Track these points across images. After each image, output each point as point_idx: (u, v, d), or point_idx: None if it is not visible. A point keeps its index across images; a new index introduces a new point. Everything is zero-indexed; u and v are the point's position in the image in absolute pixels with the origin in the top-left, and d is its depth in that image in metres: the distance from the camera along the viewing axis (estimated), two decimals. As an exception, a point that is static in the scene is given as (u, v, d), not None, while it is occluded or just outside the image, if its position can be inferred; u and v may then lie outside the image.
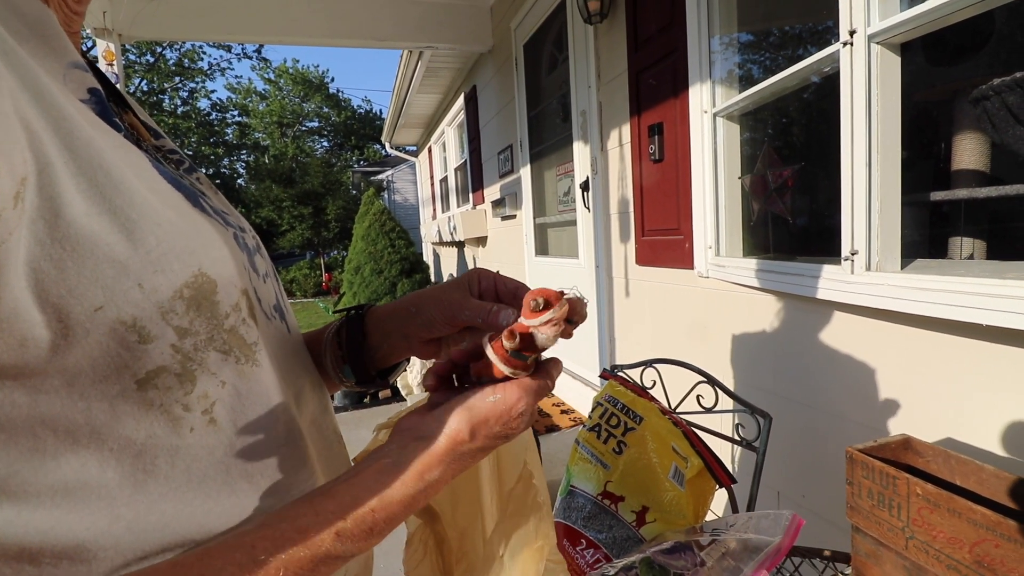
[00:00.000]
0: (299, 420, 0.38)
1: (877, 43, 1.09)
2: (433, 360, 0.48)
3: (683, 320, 1.90)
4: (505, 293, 0.44)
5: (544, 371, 0.38)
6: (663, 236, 1.95)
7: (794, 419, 1.40)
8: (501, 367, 0.37)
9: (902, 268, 1.13)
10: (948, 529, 0.60)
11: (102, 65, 3.00)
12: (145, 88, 17.51)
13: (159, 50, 17.21)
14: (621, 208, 2.27)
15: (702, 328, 1.79)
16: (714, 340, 1.73)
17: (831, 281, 1.22)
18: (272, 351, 0.37)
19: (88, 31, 3.03)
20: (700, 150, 1.70)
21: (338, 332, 0.50)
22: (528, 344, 0.36)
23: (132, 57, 16.59)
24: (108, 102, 0.34)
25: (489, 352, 0.37)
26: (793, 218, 1.60)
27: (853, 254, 1.16)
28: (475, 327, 0.44)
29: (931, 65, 1.50)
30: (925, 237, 1.42)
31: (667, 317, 2.01)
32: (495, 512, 0.51)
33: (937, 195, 1.34)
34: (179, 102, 18.94)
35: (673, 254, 1.89)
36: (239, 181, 20.75)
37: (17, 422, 0.24)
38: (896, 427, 1.13)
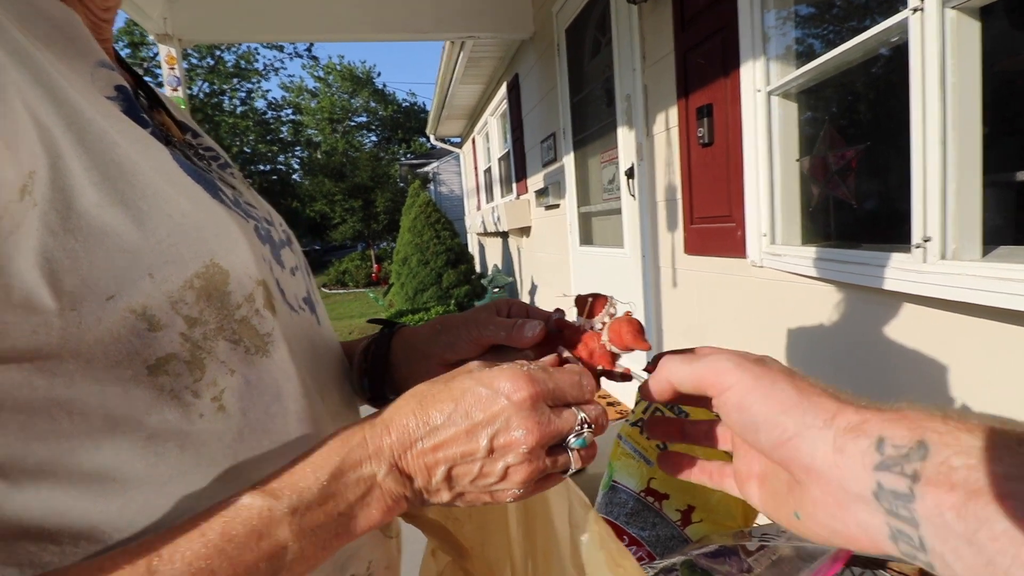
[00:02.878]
0: (320, 410, 0.38)
1: (952, 7, 0.98)
2: None
3: (734, 311, 1.82)
4: (537, 315, 0.44)
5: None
6: (713, 224, 1.87)
7: (856, 417, 1.31)
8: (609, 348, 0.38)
9: (983, 256, 1.03)
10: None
11: (164, 69, 3.18)
12: (207, 90, 18.48)
13: (218, 53, 18.10)
14: (668, 195, 2.19)
15: (755, 320, 1.71)
16: (767, 333, 1.64)
17: (900, 271, 1.13)
18: (295, 342, 0.37)
19: (151, 37, 3.21)
20: (753, 132, 1.61)
21: (368, 346, 0.51)
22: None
23: (195, 61, 17.54)
24: (137, 100, 0.35)
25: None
26: (857, 202, 1.49)
27: (926, 241, 1.06)
28: (499, 346, 0.44)
29: (1017, 30, 1.34)
30: (1010, 221, 1.28)
31: (717, 308, 1.93)
32: (522, 541, 0.48)
33: (1025, 174, 1.21)
34: (238, 103, 19.88)
35: (724, 242, 1.81)
36: (294, 176, 21.62)
37: (35, 404, 0.26)
38: (973, 429, 1.04)
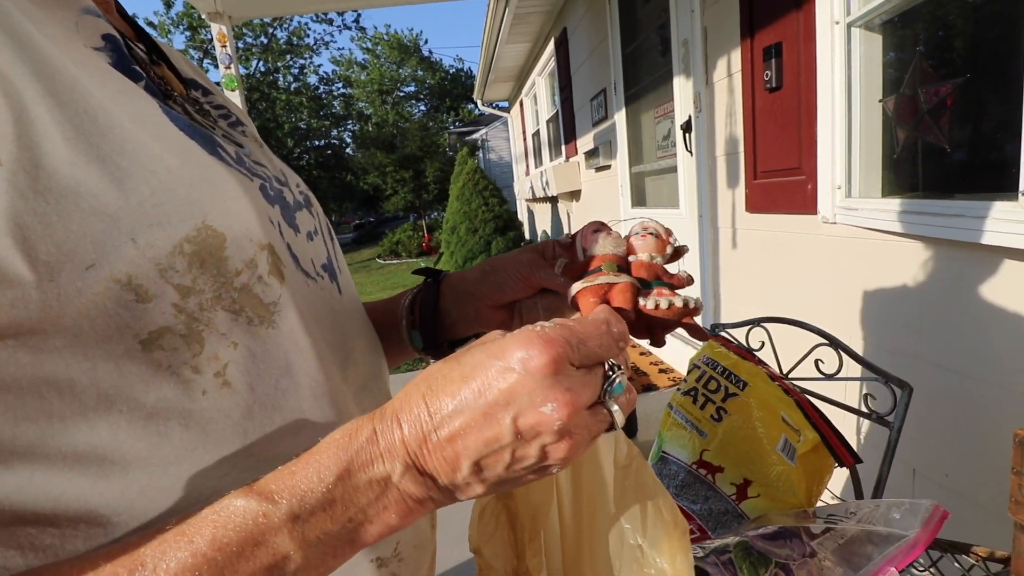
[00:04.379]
0: (339, 383, 0.36)
1: None
2: None
3: (802, 274, 1.68)
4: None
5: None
6: (780, 178, 1.71)
7: (939, 387, 1.18)
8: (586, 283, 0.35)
9: (1114, 201, 0.87)
10: None
11: (217, 47, 3.26)
12: (263, 69, 19.02)
13: (271, 31, 18.50)
14: (729, 149, 2.03)
15: (825, 282, 1.57)
16: (840, 296, 1.50)
17: (1001, 222, 0.98)
18: (310, 311, 0.35)
19: (204, 15, 3.28)
20: (829, 71, 1.43)
21: (413, 300, 0.49)
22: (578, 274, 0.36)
23: (249, 40, 18.03)
24: (131, 51, 0.32)
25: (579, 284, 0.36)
26: (952, 147, 1.30)
27: (1039, 186, 0.91)
28: (552, 289, 0.41)
29: None
30: None
31: (782, 271, 1.79)
32: (568, 485, 0.46)
33: None
34: (291, 79, 20.37)
35: (792, 198, 1.65)
36: (347, 150, 22.11)
37: (23, 382, 0.24)
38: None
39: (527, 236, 6.17)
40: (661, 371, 2.76)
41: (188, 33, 16.57)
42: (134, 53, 0.33)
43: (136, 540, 0.24)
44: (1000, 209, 0.99)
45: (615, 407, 0.28)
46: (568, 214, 5.30)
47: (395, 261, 12.59)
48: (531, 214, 7.88)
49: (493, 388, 0.25)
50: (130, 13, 0.40)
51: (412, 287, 0.51)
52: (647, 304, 0.36)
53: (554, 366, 0.25)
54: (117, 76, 0.29)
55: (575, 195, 4.80)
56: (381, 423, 0.27)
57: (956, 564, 0.75)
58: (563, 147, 4.94)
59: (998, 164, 1.13)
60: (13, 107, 0.22)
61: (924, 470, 1.27)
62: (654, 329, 0.38)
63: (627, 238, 0.39)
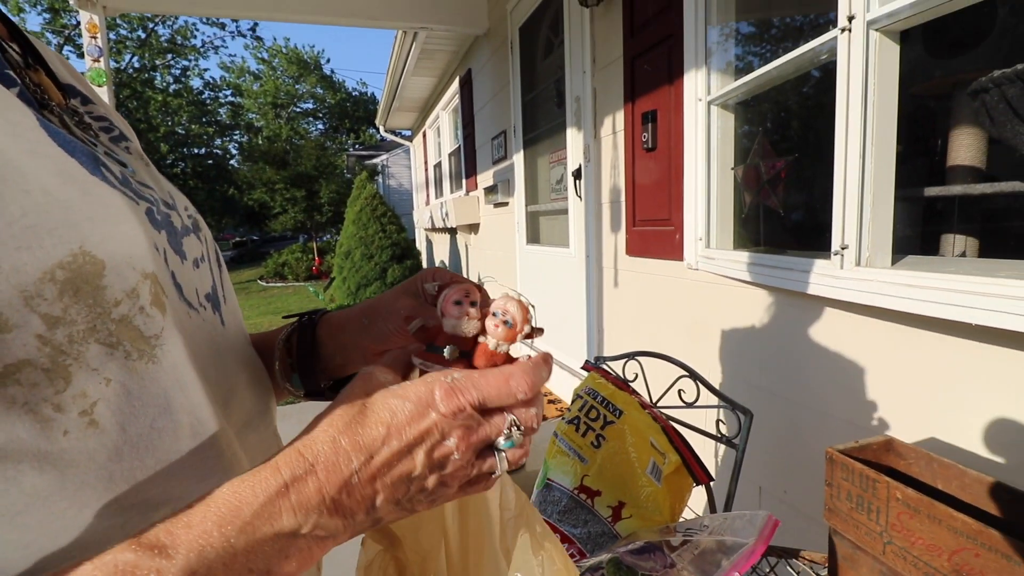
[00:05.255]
0: (221, 422, 0.34)
1: (876, 30, 1.05)
2: None
3: (671, 312, 1.88)
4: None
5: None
6: (654, 227, 1.92)
7: (779, 414, 1.38)
8: (415, 361, 0.35)
9: (892, 264, 1.10)
10: (927, 536, 0.58)
11: (85, 38, 2.91)
12: (136, 65, 17.16)
13: (151, 26, 16.84)
14: (613, 197, 2.23)
15: (690, 321, 1.77)
16: (702, 333, 1.70)
17: (820, 276, 1.19)
18: (192, 345, 0.33)
19: (71, 1, 2.92)
20: (693, 139, 1.66)
21: (288, 339, 0.47)
22: (437, 334, 0.35)
23: (124, 32, 16.23)
24: (3, 52, 0.29)
25: (416, 361, 0.36)
26: (785, 211, 1.57)
27: (843, 248, 1.13)
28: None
29: (930, 56, 1.46)
30: (917, 233, 1.40)
31: (655, 309, 1.99)
32: (456, 528, 0.47)
33: (931, 191, 1.31)
34: (171, 79, 18.59)
35: (663, 245, 1.86)
36: (231, 162, 20.48)
37: None
38: (881, 425, 1.11)
39: (424, 265, 6.13)
40: (550, 401, 2.87)
41: (47, 16, 14.49)
42: (7, 55, 0.30)
43: None
44: (818, 265, 1.21)
45: (501, 456, 0.32)
46: (466, 246, 5.38)
47: (279, 284, 11.74)
48: (429, 243, 7.86)
49: (412, 427, 0.29)
50: None
51: (286, 324, 0.49)
52: None
53: (460, 409, 0.30)
54: None
55: (474, 228, 4.90)
56: (292, 472, 0.26)
57: (789, 568, 0.88)
58: (464, 181, 5.05)
59: (819, 228, 1.38)
60: None
61: (768, 488, 1.46)
62: None
63: (485, 310, 0.37)
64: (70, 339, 0.25)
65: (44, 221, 0.25)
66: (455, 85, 5.06)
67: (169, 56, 18.01)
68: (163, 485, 0.29)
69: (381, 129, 8.16)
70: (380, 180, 14.43)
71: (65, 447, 0.26)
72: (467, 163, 4.86)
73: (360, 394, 0.30)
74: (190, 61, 18.82)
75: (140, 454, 0.28)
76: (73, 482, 0.26)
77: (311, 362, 0.46)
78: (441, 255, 6.94)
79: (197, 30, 18.33)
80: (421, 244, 8.10)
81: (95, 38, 2.95)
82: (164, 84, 18.28)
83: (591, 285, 2.46)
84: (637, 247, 2.04)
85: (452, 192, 5.87)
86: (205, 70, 26.33)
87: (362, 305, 0.46)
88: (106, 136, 0.38)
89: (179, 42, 17.97)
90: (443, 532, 0.47)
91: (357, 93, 23.84)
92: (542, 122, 3.10)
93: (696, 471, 0.90)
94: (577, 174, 2.50)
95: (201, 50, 18.65)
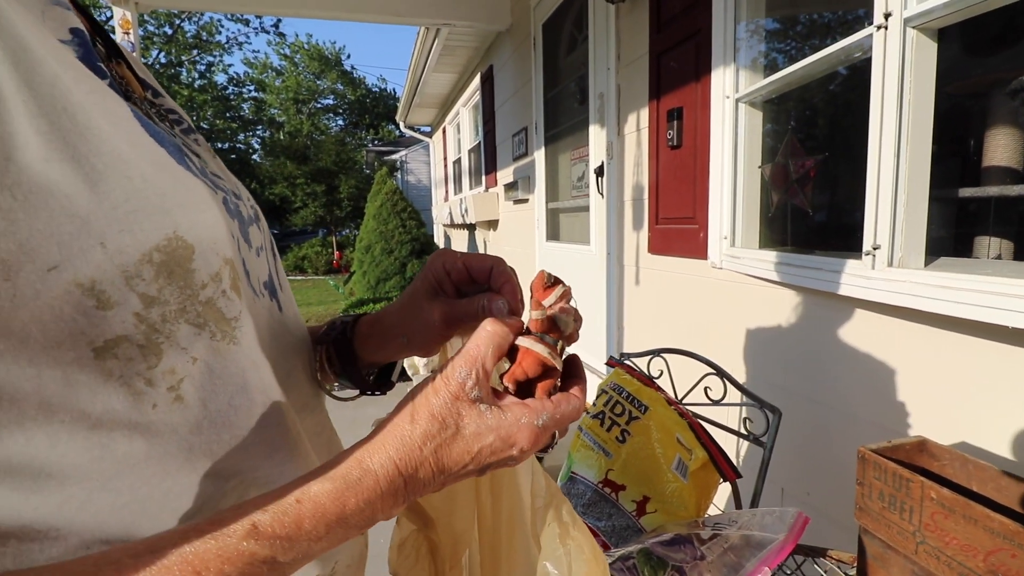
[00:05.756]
0: (285, 403, 0.36)
1: (913, 27, 1.03)
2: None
3: (694, 311, 1.87)
4: (479, 272, 0.42)
5: (564, 393, 0.35)
6: (677, 225, 1.91)
7: (803, 415, 1.37)
8: (538, 349, 0.33)
9: (926, 265, 1.09)
10: (962, 536, 0.58)
11: (118, 34, 2.99)
12: (163, 60, 17.50)
13: (178, 22, 17.16)
14: (635, 195, 2.23)
15: (713, 320, 1.76)
16: (725, 332, 1.70)
17: (850, 276, 1.18)
18: (258, 329, 0.35)
19: (105, -1, 3.00)
20: (720, 137, 1.65)
21: (327, 347, 0.48)
22: (551, 326, 0.34)
23: (151, 29, 16.57)
24: (95, 47, 0.31)
25: (526, 342, 0.34)
26: (813, 210, 1.55)
27: (875, 249, 1.11)
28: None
29: (968, 54, 1.43)
30: (951, 235, 1.37)
31: (678, 307, 1.98)
32: (490, 513, 0.48)
33: (966, 191, 1.29)
34: (196, 75, 18.93)
35: (687, 243, 1.85)
36: (254, 157, 20.79)
37: None
38: (911, 429, 1.10)
39: (442, 261, 6.20)
40: (567, 399, 2.87)
41: (76, 11, 14.84)
42: (97, 49, 0.32)
43: (140, 561, 0.22)
44: (848, 265, 1.20)
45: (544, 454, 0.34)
46: (485, 242, 5.40)
47: (299, 277, 11.91)
48: (448, 239, 7.90)
49: (491, 455, 0.31)
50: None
51: (316, 330, 0.49)
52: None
53: (537, 446, 0.33)
54: (87, 73, 0.28)
55: (493, 224, 4.92)
56: (386, 482, 0.28)
57: (816, 567, 0.88)
58: (484, 177, 5.06)
59: (848, 228, 1.37)
60: None
61: (791, 489, 1.45)
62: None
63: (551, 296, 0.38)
64: (163, 318, 0.27)
65: (143, 206, 0.26)
66: (476, 81, 5.07)
67: (195, 52, 18.35)
68: (235, 458, 0.31)
69: (401, 125, 8.22)
70: (399, 176, 14.53)
71: (153, 419, 0.27)
72: (487, 159, 4.87)
73: (455, 418, 0.30)
74: (215, 57, 19.15)
75: (217, 429, 0.30)
76: (158, 452, 0.28)
77: (354, 370, 0.48)
78: (460, 250, 6.97)
79: (222, 26, 18.63)
80: (439, 240, 8.15)
81: (128, 34, 3.03)
82: (190, 79, 18.63)
83: (612, 283, 2.46)
84: (660, 245, 2.04)
85: (471, 188, 5.90)
86: (229, 66, 26.70)
87: (395, 324, 0.45)
88: (178, 128, 0.40)
89: (204, 38, 18.28)
90: (476, 516, 0.48)
91: (377, 89, 24.00)
92: (564, 119, 3.10)
93: (723, 468, 0.90)
94: (599, 171, 2.50)
95: (226, 46, 18.96)
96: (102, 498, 0.26)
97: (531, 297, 0.39)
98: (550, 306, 0.36)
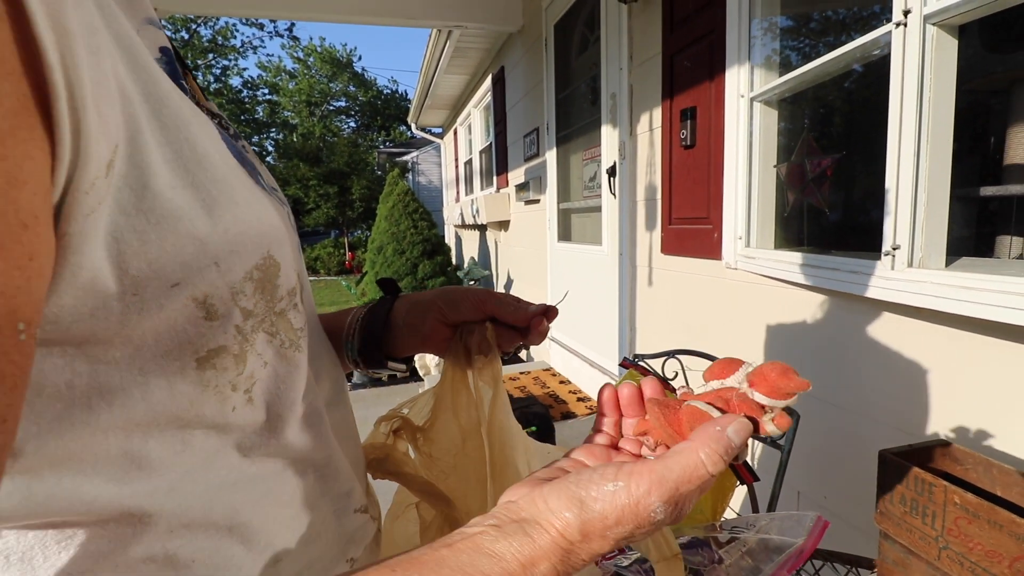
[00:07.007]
0: (319, 399, 0.37)
1: (933, 24, 1.02)
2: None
3: (708, 312, 1.86)
4: (520, 323, 0.48)
5: (684, 452, 0.30)
6: (691, 225, 1.90)
7: (820, 418, 1.36)
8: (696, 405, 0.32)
9: (947, 266, 1.07)
10: (987, 542, 0.57)
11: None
12: (179, 64, 17.76)
13: (194, 27, 17.44)
14: (648, 195, 2.21)
15: (727, 321, 1.75)
16: (739, 334, 1.68)
17: (869, 276, 1.16)
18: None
19: (124, 4, 3.06)
20: (734, 136, 1.64)
21: (366, 314, 0.51)
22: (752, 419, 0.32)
23: (168, 34, 16.79)
24: (176, 62, 0.32)
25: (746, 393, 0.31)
26: (830, 210, 1.53)
27: (895, 249, 1.10)
28: (500, 319, 0.48)
29: (988, 51, 1.40)
30: (972, 234, 1.35)
31: (691, 308, 1.97)
32: (493, 490, 0.50)
33: (987, 190, 1.27)
34: (211, 79, 19.21)
35: (700, 244, 1.84)
36: (268, 159, 21.04)
37: (76, 392, 0.23)
38: (932, 432, 1.08)
39: (454, 261, 6.18)
40: (579, 399, 2.87)
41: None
42: (176, 66, 0.33)
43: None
44: (866, 265, 1.18)
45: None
46: (496, 242, 5.41)
47: (312, 278, 12.03)
48: (459, 240, 7.92)
49: (632, 526, 0.28)
50: None
51: (356, 306, 0.53)
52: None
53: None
54: (184, 97, 0.29)
55: (504, 225, 4.92)
56: (548, 558, 0.27)
57: (835, 571, 0.87)
58: (495, 178, 5.07)
59: (866, 228, 1.35)
60: (129, 127, 0.23)
61: (807, 492, 1.43)
62: None
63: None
64: (252, 329, 0.29)
65: (247, 229, 0.28)
66: (488, 82, 5.08)
67: (210, 56, 18.62)
68: (279, 456, 0.33)
69: (413, 127, 8.26)
70: (410, 177, 14.61)
71: (230, 421, 0.29)
72: (498, 160, 4.87)
73: (599, 485, 0.29)
74: (230, 60, 19.43)
75: (271, 428, 0.32)
76: (226, 447, 0.30)
77: (381, 330, 0.50)
78: (470, 251, 6.99)
79: (237, 30, 18.89)
80: (450, 241, 8.17)
81: (147, 40, 3.08)
82: (205, 83, 18.91)
83: (624, 283, 2.45)
84: (673, 245, 2.03)
85: (483, 189, 5.91)
86: (244, 69, 27.05)
87: (433, 294, 0.50)
88: (227, 133, 0.40)
89: (220, 42, 18.55)
90: (485, 493, 0.49)
91: (388, 91, 24.15)
92: (576, 119, 3.09)
93: (740, 471, 0.89)
94: (612, 171, 2.49)
95: (240, 50, 19.22)
96: (183, 487, 0.28)
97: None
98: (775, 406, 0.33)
